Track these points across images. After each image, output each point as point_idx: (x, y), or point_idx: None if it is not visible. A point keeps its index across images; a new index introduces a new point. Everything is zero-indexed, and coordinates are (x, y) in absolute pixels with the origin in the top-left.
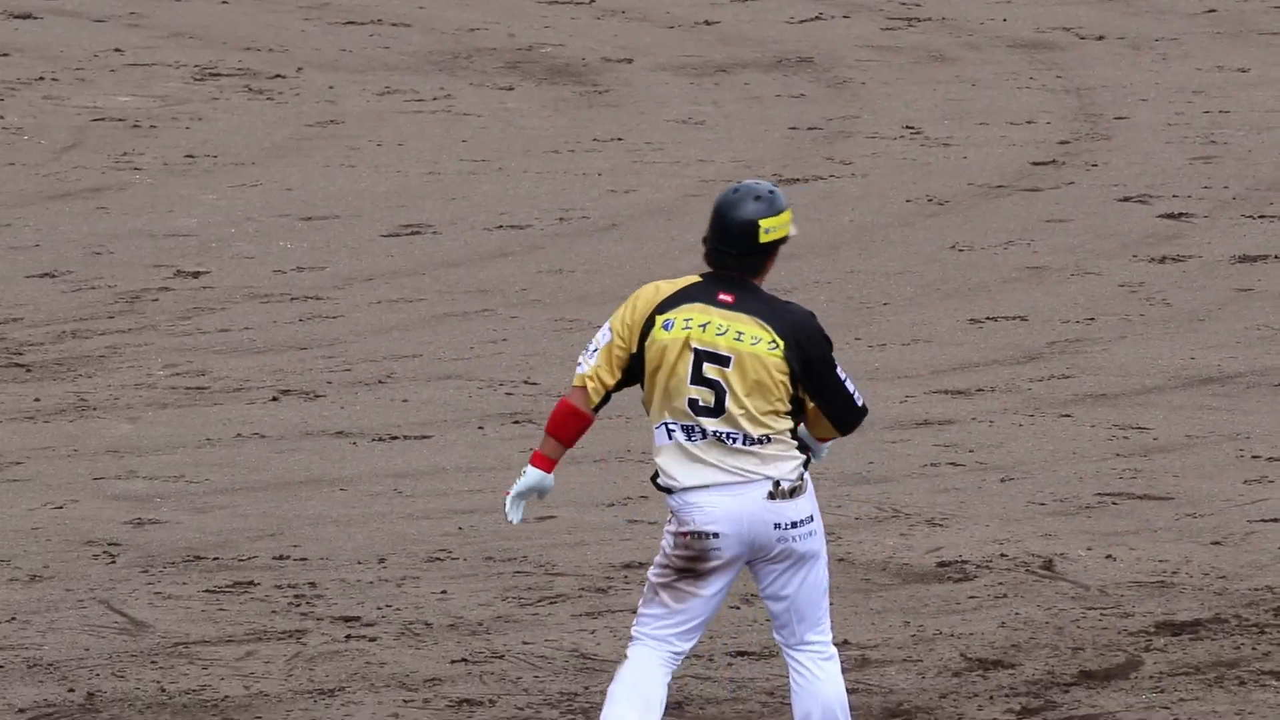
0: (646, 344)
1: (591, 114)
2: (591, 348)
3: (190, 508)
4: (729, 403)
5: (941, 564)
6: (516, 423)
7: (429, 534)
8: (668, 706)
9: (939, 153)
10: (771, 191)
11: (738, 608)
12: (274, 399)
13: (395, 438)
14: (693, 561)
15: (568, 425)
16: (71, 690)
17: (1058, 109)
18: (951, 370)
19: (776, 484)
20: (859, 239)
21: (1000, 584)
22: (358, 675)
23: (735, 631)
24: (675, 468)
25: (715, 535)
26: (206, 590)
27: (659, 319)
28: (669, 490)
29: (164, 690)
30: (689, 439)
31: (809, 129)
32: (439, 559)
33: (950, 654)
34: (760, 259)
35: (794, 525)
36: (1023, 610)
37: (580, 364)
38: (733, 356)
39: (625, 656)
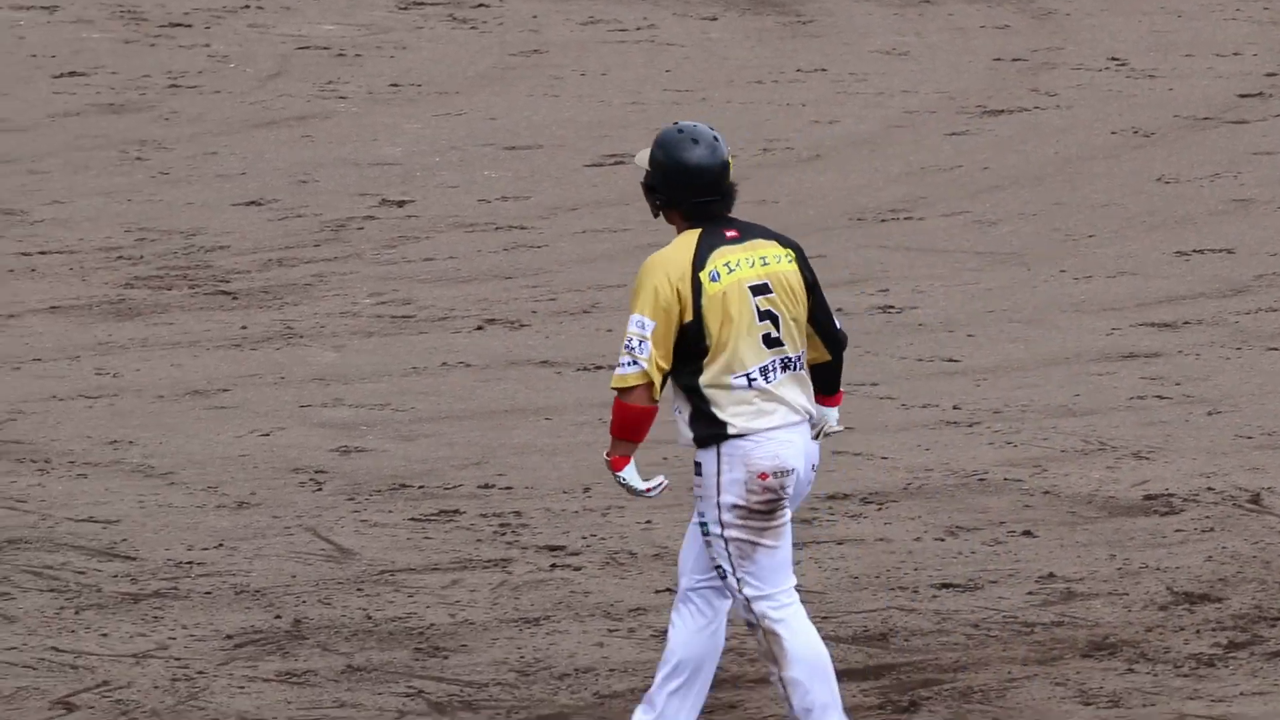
0: (704, 304)
1: (795, 44)
2: (635, 341)
3: (396, 436)
4: (783, 327)
5: (1148, 497)
6: None
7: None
8: (872, 638)
9: (1144, 84)
10: (710, 129)
11: (943, 540)
12: (479, 328)
13: (600, 367)
14: (773, 502)
15: (642, 428)
16: (278, 617)
17: (1264, 41)
18: (1158, 303)
19: (814, 425)
20: (1064, 171)
21: (1207, 517)
22: (562, 604)
23: (940, 564)
24: (750, 413)
25: (792, 471)
26: (412, 518)
27: (703, 275)
28: (741, 435)
29: (370, 617)
30: (768, 379)
31: (1013, 60)
32: None
33: (1156, 588)
34: (732, 193)
35: (815, 470)
36: (1229, 544)
37: (628, 363)
38: (769, 281)
39: (770, 631)
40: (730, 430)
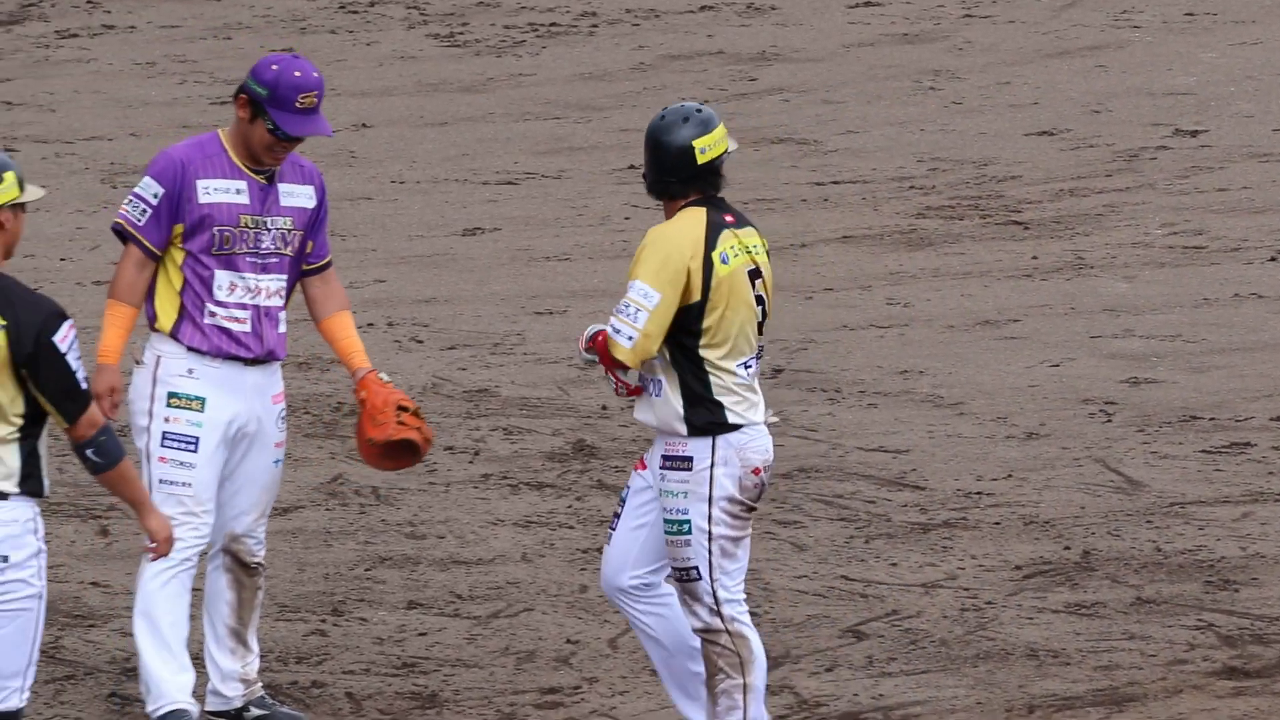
0: (713, 286)
1: None
2: (632, 310)
3: (1186, 367)
4: (766, 315)
5: None
6: None
7: None
8: None
9: None
10: (699, 110)
11: None
12: (1272, 259)
13: None
14: (758, 498)
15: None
16: (1067, 548)
17: None
18: None
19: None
20: None
21: None
22: None
23: None
24: (742, 403)
25: (773, 466)
26: (1202, 450)
27: (714, 256)
28: (738, 427)
29: (1159, 550)
30: (749, 369)
31: None
32: None
33: None
34: (715, 178)
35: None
36: None
37: (626, 336)
38: (760, 266)
39: (739, 634)
40: (730, 419)
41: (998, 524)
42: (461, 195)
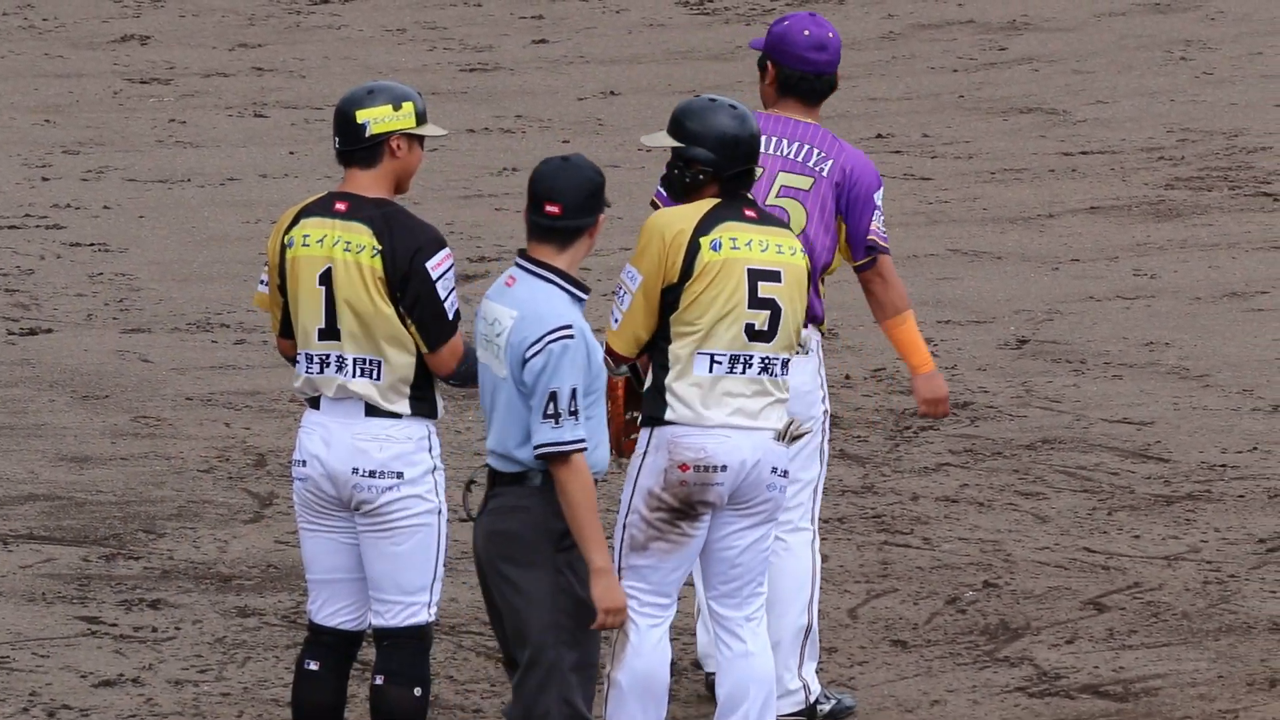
0: (695, 270)
1: None
2: (620, 292)
3: None
4: (782, 322)
5: None
6: None
7: None
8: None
9: None
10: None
11: None
12: None
13: None
14: (688, 500)
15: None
16: None
17: None
18: None
19: (788, 423)
20: None
21: None
22: None
23: None
24: (700, 400)
25: (723, 468)
26: None
27: (704, 240)
28: (674, 422)
29: None
30: (732, 370)
31: None
32: None
33: None
34: (750, 174)
35: (785, 474)
36: None
37: (614, 318)
38: (783, 270)
39: (621, 633)
40: (668, 415)
41: (1241, 497)
42: None
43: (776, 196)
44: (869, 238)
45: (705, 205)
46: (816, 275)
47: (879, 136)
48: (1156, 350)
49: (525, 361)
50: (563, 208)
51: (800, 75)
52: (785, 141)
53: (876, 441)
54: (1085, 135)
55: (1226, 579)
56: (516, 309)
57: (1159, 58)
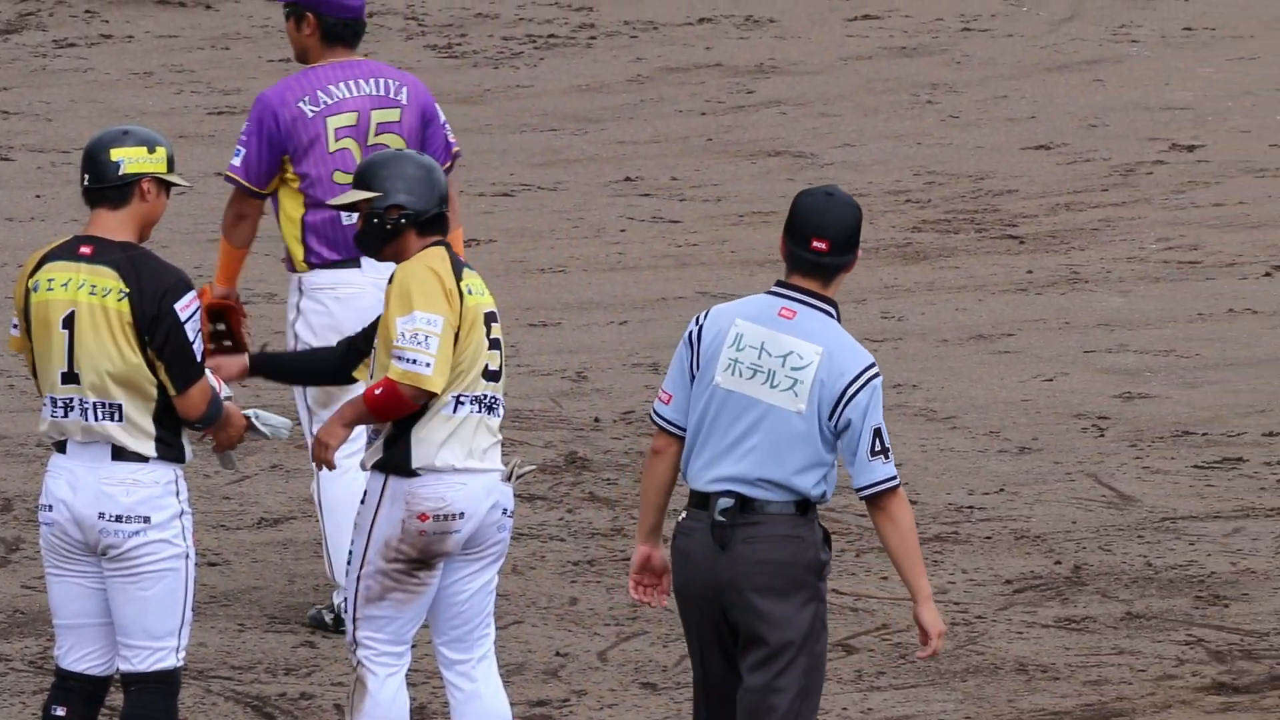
0: (464, 309)
1: None
2: (423, 337)
3: (1180, 382)
4: (501, 362)
5: None
6: None
7: None
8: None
9: None
10: None
11: None
12: (1266, 274)
13: None
14: (427, 550)
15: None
16: (1058, 563)
17: None
18: None
19: (513, 464)
20: None
21: None
22: None
23: None
24: (455, 445)
25: (461, 516)
26: (1194, 466)
27: (463, 287)
28: (416, 472)
29: (1150, 565)
30: (478, 411)
31: None
32: None
33: None
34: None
35: (511, 514)
36: None
37: (423, 363)
38: (495, 312)
39: (360, 679)
40: (412, 463)
41: (989, 538)
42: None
43: (375, 135)
44: (454, 148)
45: (443, 253)
46: None
47: (628, 179)
48: (904, 392)
49: (848, 397)
50: (830, 245)
51: (345, 22)
52: (363, 82)
53: (625, 484)
54: (833, 178)
55: (974, 620)
56: (821, 344)
57: (905, 101)
